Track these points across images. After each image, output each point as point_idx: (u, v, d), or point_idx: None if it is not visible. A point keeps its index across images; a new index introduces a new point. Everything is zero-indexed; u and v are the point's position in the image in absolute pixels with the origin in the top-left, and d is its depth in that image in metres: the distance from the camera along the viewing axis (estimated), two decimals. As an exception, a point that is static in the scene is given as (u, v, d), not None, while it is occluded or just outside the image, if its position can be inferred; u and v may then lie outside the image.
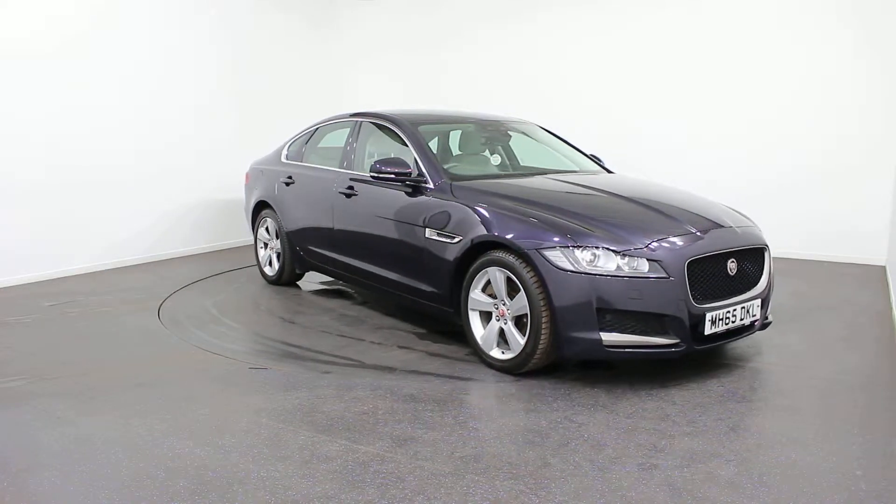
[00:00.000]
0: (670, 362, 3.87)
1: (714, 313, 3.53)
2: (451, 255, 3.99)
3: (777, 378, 3.72)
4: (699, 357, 4.00)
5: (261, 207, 6.14)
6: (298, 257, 5.73)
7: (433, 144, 5.15)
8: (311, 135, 5.89)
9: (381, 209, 4.61)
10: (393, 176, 4.39)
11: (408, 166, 4.38)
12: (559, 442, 2.93)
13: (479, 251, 3.84)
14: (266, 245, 6.13)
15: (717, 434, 3.02)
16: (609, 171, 5.06)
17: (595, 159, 5.22)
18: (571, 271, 3.42)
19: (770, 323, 4.06)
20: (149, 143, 6.93)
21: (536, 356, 3.57)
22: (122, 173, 6.70)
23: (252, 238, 6.38)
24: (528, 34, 8.16)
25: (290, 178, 5.72)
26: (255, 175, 6.30)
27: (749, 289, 3.78)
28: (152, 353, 4.19)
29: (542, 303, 3.49)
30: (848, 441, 2.94)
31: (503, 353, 3.76)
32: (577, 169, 4.98)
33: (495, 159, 5.08)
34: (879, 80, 6.47)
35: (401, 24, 9.06)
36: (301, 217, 5.57)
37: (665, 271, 3.41)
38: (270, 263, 6.08)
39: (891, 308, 5.03)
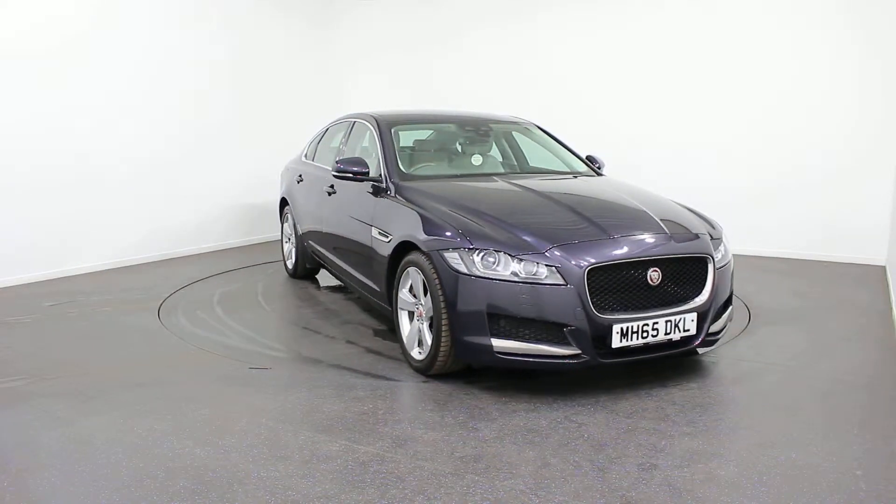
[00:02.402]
0: (672, 363, 3.87)
1: (624, 325, 3.30)
2: (385, 253, 4.05)
3: (777, 378, 3.71)
4: (699, 357, 4.00)
5: (284, 204, 6.39)
6: (305, 252, 5.91)
7: (455, 146, 5.23)
8: (323, 134, 6.08)
9: (350, 208, 4.74)
10: (351, 175, 4.47)
11: (366, 166, 4.46)
12: (559, 442, 2.93)
13: (405, 251, 3.85)
14: (289, 239, 6.33)
15: (717, 434, 3.02)
16: (597, 174, 4.92)
17: (590, 160, 5.11)
18: (465, 274, 3.36)
19: (716, 340, 3.78)
20: (149, 143, 6.93)
21: (440, 359, 3.55)
22: (121, 172, 6.69)
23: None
24: (529, 34, 8.15)
25: (300, 176, 5.94)
26: (283, 173, 6.56)
27: (682, 301, 3.50)
28: (152, 353, 4.19)
29: (442, 305, 3.45)
30: (848, 441, 2.94)
31: (419, 353, 3.75)
32: (557, 170, 4.91)
33: (476, 160, 5.01)
34: (879, 80, 6.47)
35: (401, 24, 9.06)
36: (305, 214, 5.77)
37: (563, 278, 3.26)
38: (291, 257, 6.27)
39: (891, 308, 5.03)
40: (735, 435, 3.02)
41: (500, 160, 5.18)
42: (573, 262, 3.29)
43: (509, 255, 3.34)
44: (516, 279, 3.28)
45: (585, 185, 4.45)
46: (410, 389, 3.55)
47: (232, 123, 7.86)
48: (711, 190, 7.19)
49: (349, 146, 5.26)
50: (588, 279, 3.28)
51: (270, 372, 3.85)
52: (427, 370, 3.68)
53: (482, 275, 3.33)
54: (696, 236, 3.70)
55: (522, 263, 3.31)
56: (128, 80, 6.69)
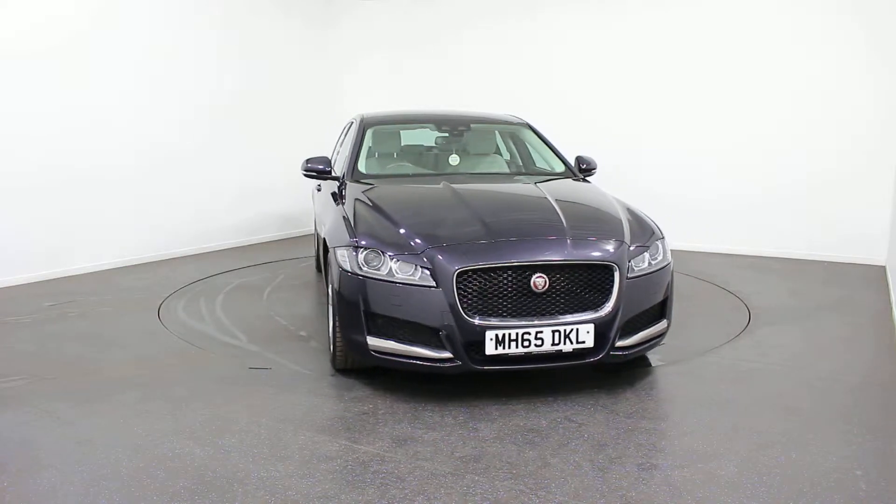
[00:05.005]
0: (672, 364, 3.87)
1: (500, 332, 3.16)
2: (321, 249, 4.20)
3: (777, 378, 3.71)
4: (699, 358, 4.00)
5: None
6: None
7: (439, 146, 5.30)
8: (340, 134, 6.19)
9: (323, 205, 4.88)
10: (315, 174, 4.60)
11: (328, 165, 4.59)
12: (559, 442, 2.93)
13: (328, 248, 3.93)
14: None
15: (717, 434, 3.02)
16: (576, 176, 4.72)
17: (578, 161, 4.83)
18: (349, 272, 3.40)
19: (627, 355, 3.43)
20: (148, 143, 6.92)
21: (338, 354, 3.63)
22: (122, 172, 6.68)
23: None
24: (528, 32, 8.15)
25: None
26: None
27: (575, 311, 3.27)
28: (152, 353, 4.19)
29: (335, 301, 3.51)
30: (848, 441, 2.94)
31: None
32: (535, 172, 4.83)
33: (454, 160, 4.95)
34: (880, 84, 6.48)
35: (400, 24, 9.05)
36: (316, 211, 5.96)
37: (434, 280, 3.21)
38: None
39: (891, 308, 5.03)
40: (735, 435, 3.02)
41: (507, 159, 5.19)
42: (445, 264, 3.23)
43: (389, 255, 3.34)
44: (392, 279, 3.29)
45: (528, 189, 4.23)
46: (411, 389, 3.55)
47: (232, 123, 7.85)
48: (712, 192, 7.20)
49: (345, 145, 5.34)
50: (457, 282, 3.19)
51: (270, 372, 3.85)
52: (333, 364, 3.76)
53: (364, 273, 3.35)
54: (602, 243, 3.43)
55: (399, 263, 3.30)
56: (127, 80, 6.69)
